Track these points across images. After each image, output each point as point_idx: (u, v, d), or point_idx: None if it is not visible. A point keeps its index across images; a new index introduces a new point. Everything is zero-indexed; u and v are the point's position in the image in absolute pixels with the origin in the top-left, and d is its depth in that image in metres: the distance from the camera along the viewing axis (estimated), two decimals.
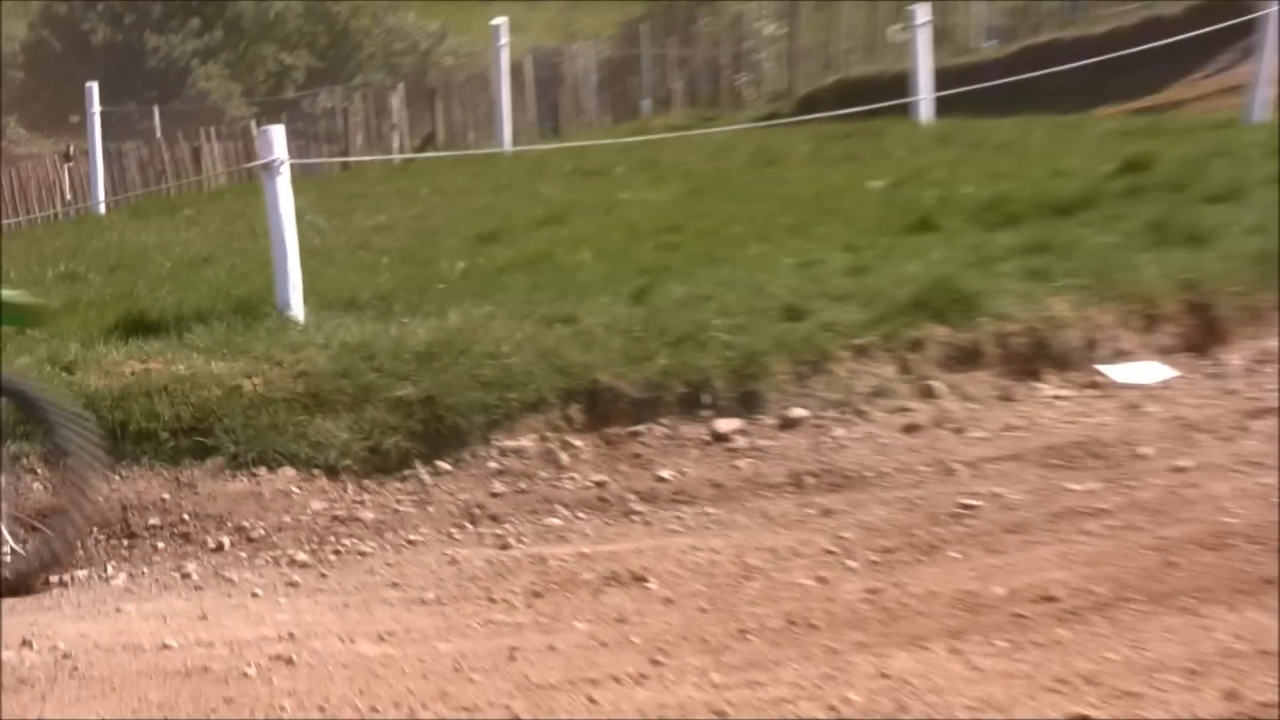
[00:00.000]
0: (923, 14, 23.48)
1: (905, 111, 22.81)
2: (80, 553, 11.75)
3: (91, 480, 11.49)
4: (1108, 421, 12.24)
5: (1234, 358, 12.89)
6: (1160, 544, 10.03)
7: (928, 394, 12.59)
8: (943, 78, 24.13)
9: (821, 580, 9.89)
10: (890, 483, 11.63)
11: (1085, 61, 24.16)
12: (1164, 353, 12.95)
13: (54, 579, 11.54)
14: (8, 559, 11.74)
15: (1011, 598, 9.45)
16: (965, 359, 12.87)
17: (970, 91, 22.94)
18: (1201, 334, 13.02)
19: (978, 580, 9.74)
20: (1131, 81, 26.27)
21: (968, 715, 7.98)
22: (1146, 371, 12.69)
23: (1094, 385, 12.72)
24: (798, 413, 12.38)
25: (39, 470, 12.35)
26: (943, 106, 23.26)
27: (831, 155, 20.65)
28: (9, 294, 12.12)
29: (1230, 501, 10.60)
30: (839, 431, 12.27)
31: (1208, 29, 23.35)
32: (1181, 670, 8.27)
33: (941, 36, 27.96)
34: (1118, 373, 12.66)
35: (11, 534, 11.87)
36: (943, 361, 12.80)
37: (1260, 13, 18.76)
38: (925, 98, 22.78)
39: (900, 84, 23.98)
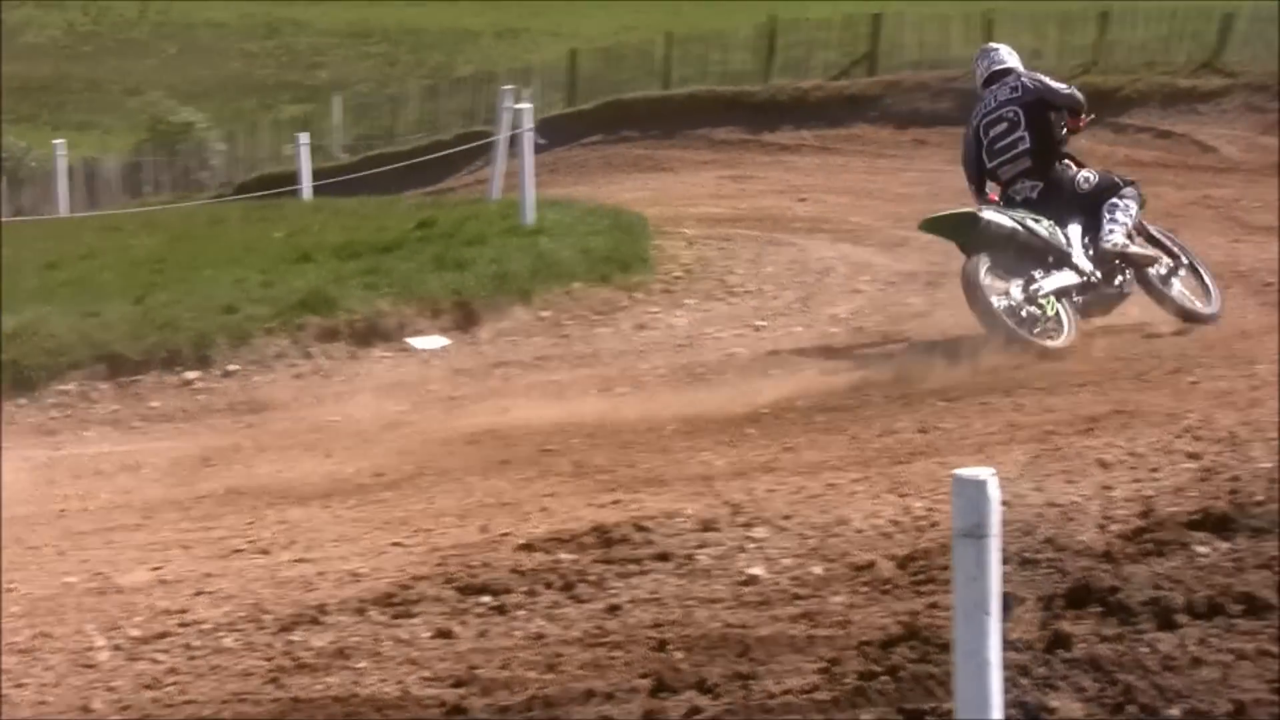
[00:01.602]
0: (304, 139, 25.51)
1: (296, 194, 24.46)
2: None
3: None
4: (412, 370, 14.35)
5: (483, 333, 15.06)
6: (442, 439, 11.98)
7: (308, 356, 14.63)
8: (318, 174, 26.28)
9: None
10: (289, 407, 13.74)
11: (397, 165, 27.16)
12: (444, 331, 15.02)
13: None
14: None
15: (358, 474, 11.26)
16: (330, 335, 14.90)
17: (334, 183, 25.68)
18: (465, 320, 15.21)
19: (337, 464, 11.65)
20: (426, 176, 28.69)
21: None
22: (433, 341, 14.84)
23: (404, 350, 14.76)
24: (232, 367, 14.39)
25: None
26: (318, 190, 24.98)
27: (254, 218, 21.83)
28: None
29: (483, 415, 12.60)
30: (257, 378, 14.35)
31: (471, 145, 26.35)
32: (455, 514, 9.92)
33: (316, 150, 30.05)
34: (417, 342, 14.80)
35: None
36: (317, 337, 14.83)
37: (495, 138, 20.59)
38: (306, 185, 24.50)
39: (293, 178, 25.60)
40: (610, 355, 14.26)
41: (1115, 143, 24.77)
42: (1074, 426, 11.15)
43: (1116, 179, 14.38)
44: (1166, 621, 7.15)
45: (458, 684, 7.20)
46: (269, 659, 7.64)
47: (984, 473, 5.18)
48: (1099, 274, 13.74)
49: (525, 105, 19.21)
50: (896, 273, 16.63)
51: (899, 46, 32.08)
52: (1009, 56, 14.78)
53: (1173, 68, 28.29)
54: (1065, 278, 13.61)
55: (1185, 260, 14.35)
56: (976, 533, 5.20)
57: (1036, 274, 13.44)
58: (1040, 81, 14.44)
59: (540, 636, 7.74)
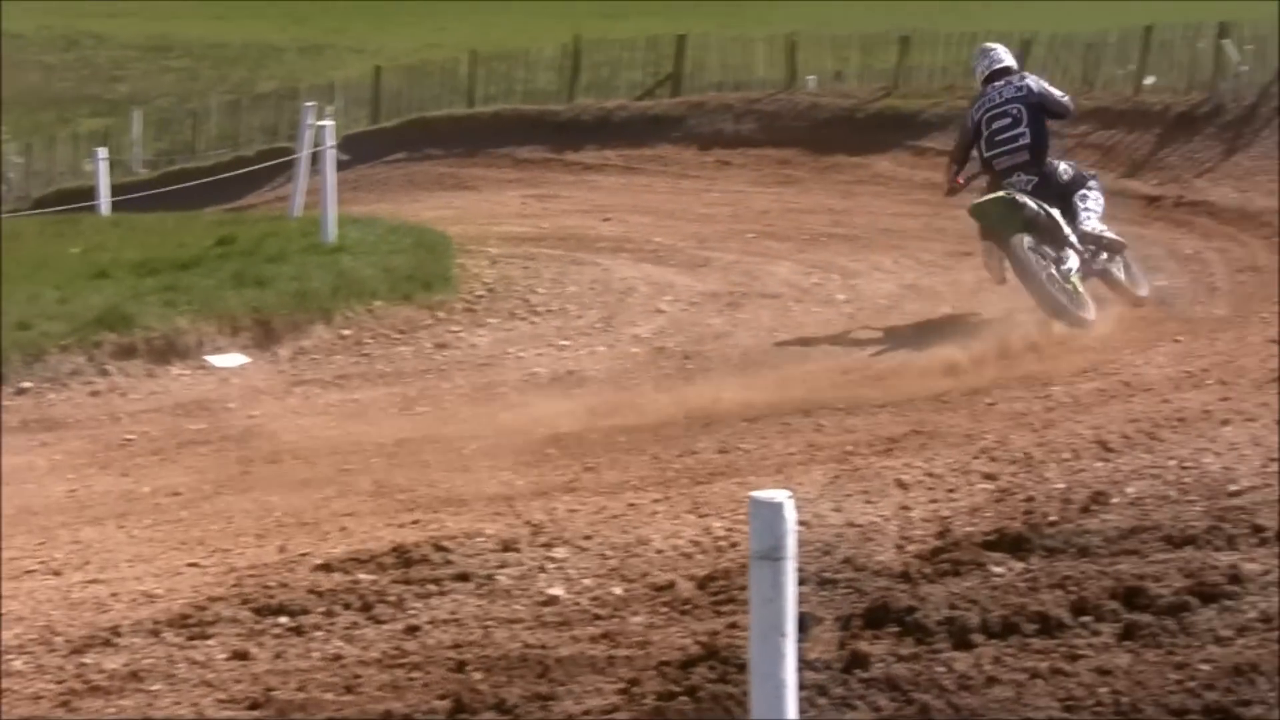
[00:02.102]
0: (102, 154, 24.98)
1: (94, 209, 23.62)
2: None
3: None
4: (211, 388, 14.07)
5: (283, 351, 14.86)
6: (241, 459, 11.95)
7: (105, 373, 14.29)
8: (117, 189, 25.55)
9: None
10: (84, 425, 13.36)
11: (198, 181, 26.77)
12: (243, 349, 14.76)
13: None
14: None
15: (154, 493, 11.16)
16: (127, 353, 14.54)
17: (133, 198, 25.10)
18: (265, 338, 14.97)
19: (133, 483, 11.51)
20: (227, 192, 28.02)
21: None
22: (233, 359, 14.60)
23: (203, 368, 14.47)
24: (26, 384, 14.00)
25: None
26: (116, 206, 24.30)
27: (51, 234, 21.20)
28: None
29: (283, 433, 12.55)
30: (51, 396, 13.97)
31: (274, 162, 26.10)
32: (253, 534, 9.92)
33: (115, 165, 29.51)
34: (216, 360, 14.54)
35: None
36: (114, 354, 14.48)
37: (296, 156, 20.21)
38: (105, 200, 23.83)
39: (91, 193, 24.67)
40: (412, 374, 14.18)
41: (916, 165, 25.10)
42: (873, 447, 11.29)
43: (1084, 172, 15.68)
44: (962, 641, 7.25)
45: (254, 706, 7.14)
46: (60, 682, 7.51)
47: (780, 495, 5.21)
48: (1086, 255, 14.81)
49: (327, 122, 19.03)
50: (699, 293, 16.74)
51: (703, 68, 32.30)
52: (1006, 56, 15.94)
53: (971, 92, 28.71)
54: (1074, 258, 14.57)
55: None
56: (773, 555, 5.23)
57: (1061, 255, 14.48)
58: (1043, 85, 15.63)
59: (338, 658, 7.68)
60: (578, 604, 8.43)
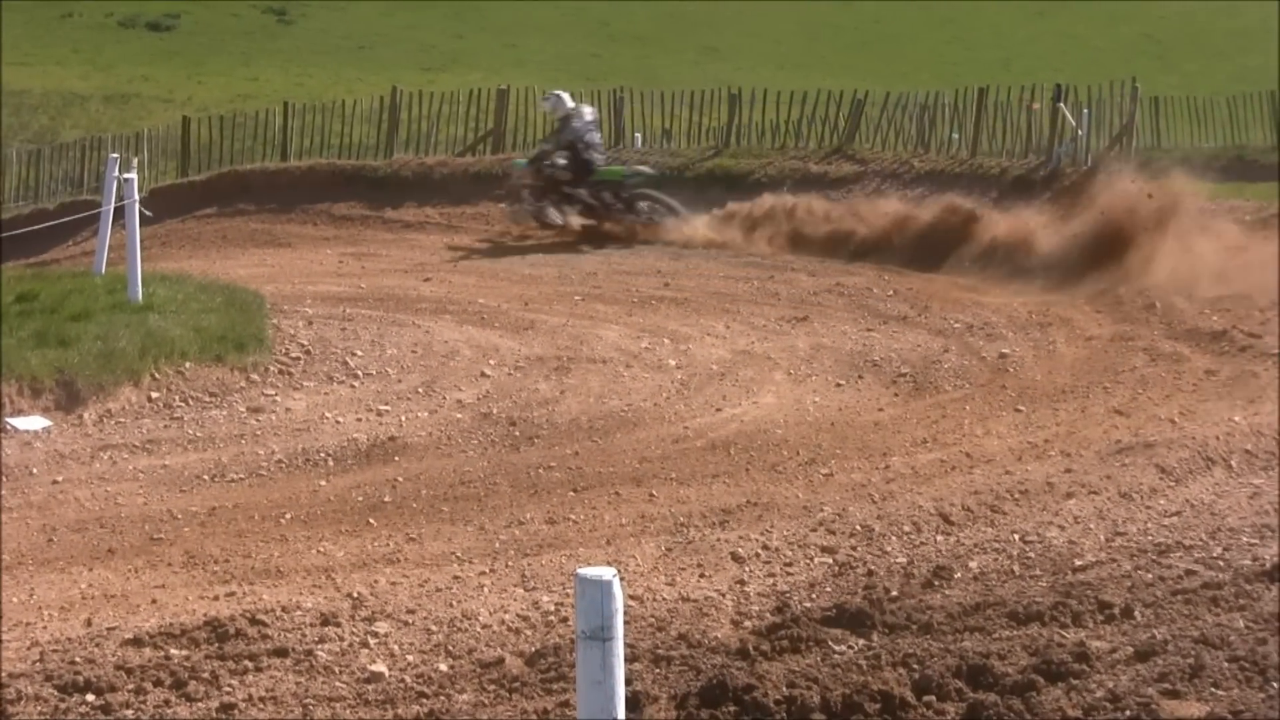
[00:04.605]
0: None
1: None
2: None
3: None
4: (12, 452, 13.39)
5: (89, 414, 14.35)
6: (44, 527, 11.59)
7: None
8: None
9: None
10: None
11: None
12: (45, 411, 14.25)
13: None
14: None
15: None
16: None
17: None
18: (69, 400, 14.47)
19: None
20: (28, 247, 26.98)
21: None
22: (34, 422, 14.09)
23: (3, 431, 13.81)
24: None
25: None
26: None
27: None
28: None
29: (89, 501, 12.21)
30: None
31: (77, 216, 25.62)
32: (57, 606, 9.74)
33: None
34: (18, 423, 14.01)
35: None
36: None
37: (100, 209, 19.83)
38: None
39: None
40: (224, 439, 13.95)
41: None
42: (707, 519, 11.32)
43: None
44: None
45: None
46: None
47: (607, 572, 5.19)
48: None
49: (131, 175, 18.76)
50: (525, 357, 16.70)
51: (526, 123, 32.38)
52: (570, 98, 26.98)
53: (804, 152, 29.09)
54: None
55: None
56: (601, 635, 5.20)
57: None
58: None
59: None
60: (402, 681, 8.37)
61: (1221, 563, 9.88)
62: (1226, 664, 7.69)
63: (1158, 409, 14.24)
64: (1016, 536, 10.71)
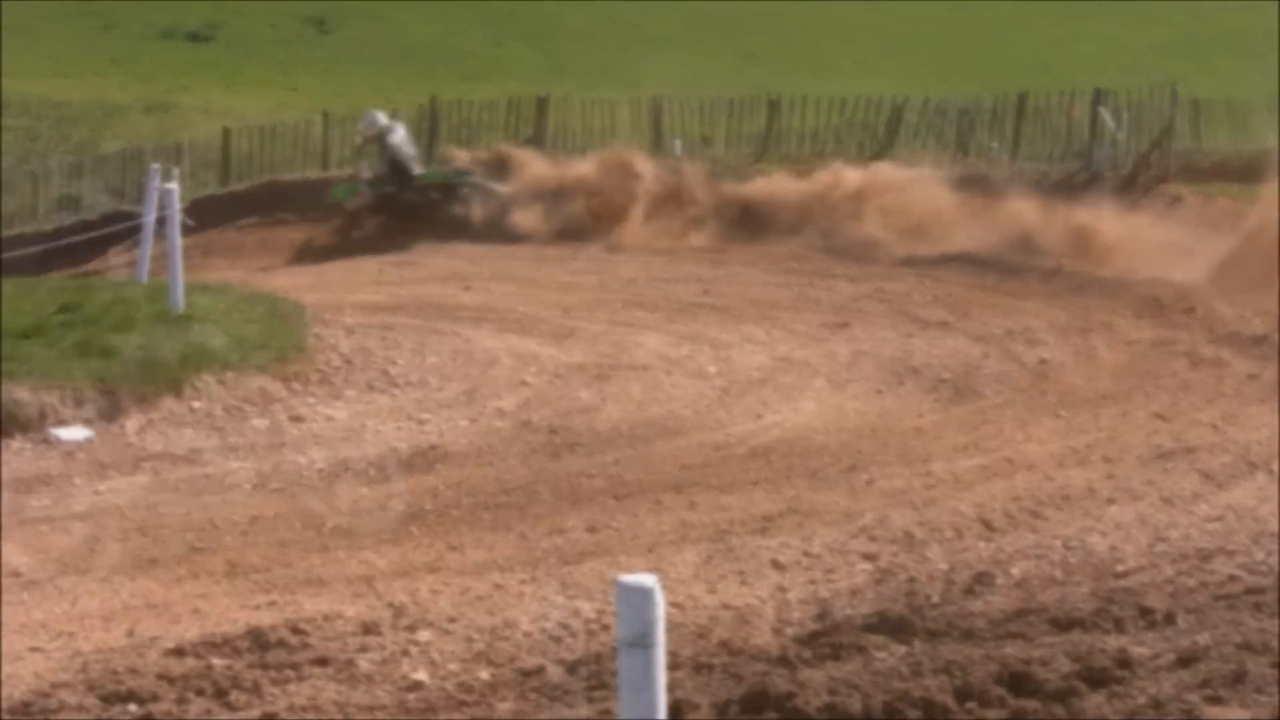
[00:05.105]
0: None
1: None
2: None
3: None
4: (54, 462, 13.48)
5: (131, 424, 14.40)
6: (87, 537, 11.46)
7: None
8: None
9: None
10: None
11: (39, 245, 26.40)
12: (88, 422, 14.28)
13: None
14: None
15: None
16: None
17: None
18: (111, 410, 14.53)
19: None
20: (70, 257, 27.36)
21: None
22: (77, 433, 14.12)
23: (45, 442, 13.94)
24: None
25: None
26: None
27: None
28: None
29: (130, 510, 12.17)
30: None
31: (119, 226, 25.61)
32: (100, 616, 9.71)
33: None
34: (60, 434, 14.06)
35: None
36: None
37: (141, 220, 19.86)
38: None
39: None
40: (265, 448, 13.98)
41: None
42: (748, 526, 11.31)
43: None
44: None
45: None
46: None
47: (648, 579, 5.19)
48: None
49: (172, 185, 18.83)
50: (564, 365, 16.71)
51: (565, 131, 32.47)
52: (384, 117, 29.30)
53: (844, 158, 29.01)
54: None
55: None
56: (642, 642, 5.20)
57: None
58: None
59: None
60: (443, 689, 8.37)
61: (1264, 568, 9.82)
62: (1269, 669, 7.64)
63: (1199, 414, 14.19)
64: (1058, 542, 10.67)
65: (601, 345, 17.65)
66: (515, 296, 21.04)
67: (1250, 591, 9.19)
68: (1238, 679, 7.55)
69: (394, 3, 64.64)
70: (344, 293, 21.59)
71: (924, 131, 28.91)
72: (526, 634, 9.28)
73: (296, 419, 14.81)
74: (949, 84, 34.42)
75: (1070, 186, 24.98)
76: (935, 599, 9.39)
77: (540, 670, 8.57)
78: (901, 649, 8.31)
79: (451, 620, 9.51)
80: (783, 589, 9.98)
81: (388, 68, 58.38)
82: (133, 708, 8.02)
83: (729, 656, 8.44)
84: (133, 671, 8.51)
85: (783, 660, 8.27)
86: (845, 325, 18.65)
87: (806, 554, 10.63)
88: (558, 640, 9.19)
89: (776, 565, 10.41)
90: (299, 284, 21.98)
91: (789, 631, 9.08)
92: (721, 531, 11.20)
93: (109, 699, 8.11)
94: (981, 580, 9.76)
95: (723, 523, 11.42)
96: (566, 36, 65.92)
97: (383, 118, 29.66)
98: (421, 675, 8.58)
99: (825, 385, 15.89)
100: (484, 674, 8.62)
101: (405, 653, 8.95)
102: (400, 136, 29.45)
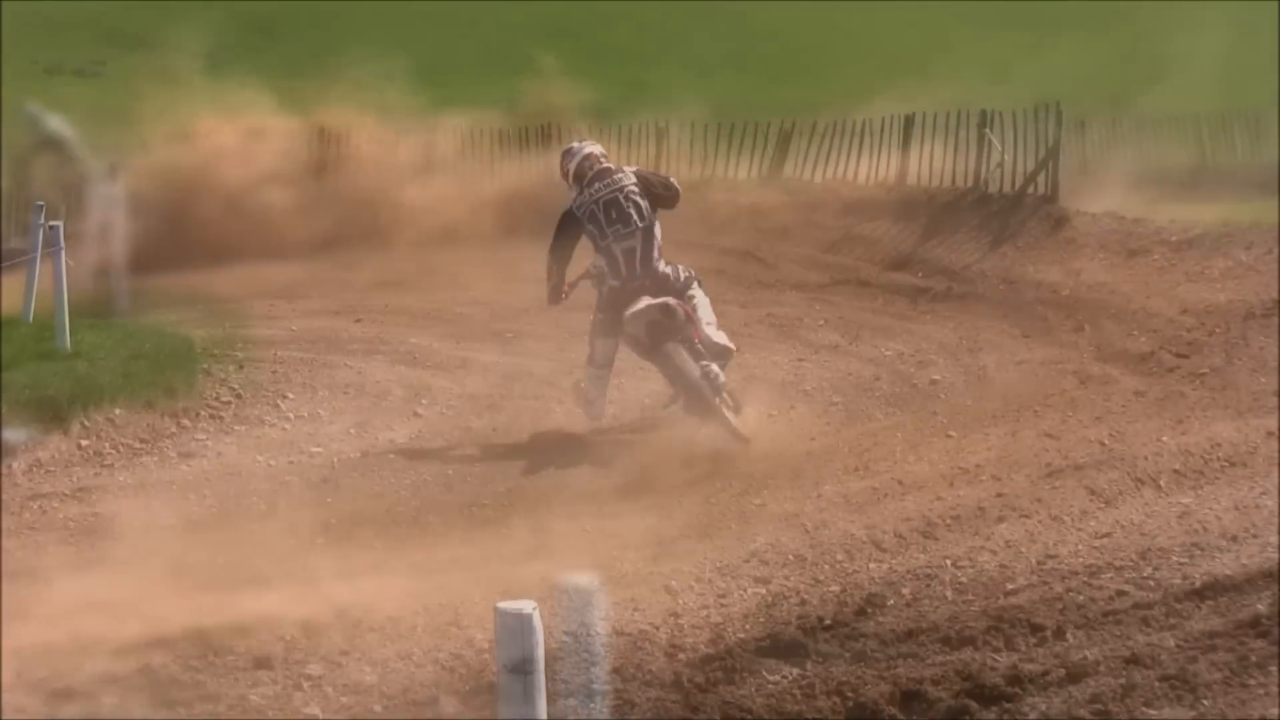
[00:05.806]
0: None
1: None
2: None
3: None
4: None
5: (17, 463, 14.09)
6: None
7: None
8: None
9: None
10: None
11: None
12: None
13: None
14: None
15: None
16: None
17: None
18: None
19: None
20: None
21: None
22: None
23: None
24: None
25: None
26: None
27: None
28: None
29: (19, 551, 12.03)
30: None
31: (5, 263, 25.35)
32: None
33: None
34: None
35: None
36: None
37: (27, 256, 19.78)
38: None
39: None
40: (156, 486, 13.88)
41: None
42: (640, 550, 11.30)
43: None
44: None
45: None
46: None
47: (527, 605, 5.17)
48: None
49: (57, 222, 18.68)
50: (458, 396, 16.66)
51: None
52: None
53: (732, 183, 28.98)
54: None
55: None
56: (523, 668, 5.18)
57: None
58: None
59: None
60: None
61: (1152, 583, 9.93)
62: (1157, 683, 7.73)
63: (1087, 431, 14.29)
64: (949, 562, 10.74)
65: (493, 375, 17.61)
66: (407, 328, 20.91)
67: (1138, 606, 9.29)
68: (1126, 693, 7.64)
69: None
70: (233, 327, 21.40)
71: (813, 153, 28.85)
72: (419, 665, 9.25)
73: (186, 455, 14.69)
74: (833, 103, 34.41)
75: (957, 209, 25.01)
76: (827, 621, 9.41)
77: (434, 701, 8.54)
78: (794, 671, 8.35)
79: (344, 653, 9.46)
80: (675, 614, 9.98)
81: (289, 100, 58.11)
82: None
83: (622, 683, 8.42)
84: None
85: (676, 685, 8.28)
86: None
87: (699, 579, 10.64)
88: (451, 671, 9.16)
89: (669, 590, 10.41)
90: (187, 319, 21.76)
91: (682, 656, 9.08)
92: (613, 557, 11.20)
93: None
94: (873, 601, 9.80)
95: (614, 547, 11.41)
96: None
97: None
98: (314, 710, 8.53)
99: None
100: (377, 707, 8.58)
101: (298, 688, 8.90)
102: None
